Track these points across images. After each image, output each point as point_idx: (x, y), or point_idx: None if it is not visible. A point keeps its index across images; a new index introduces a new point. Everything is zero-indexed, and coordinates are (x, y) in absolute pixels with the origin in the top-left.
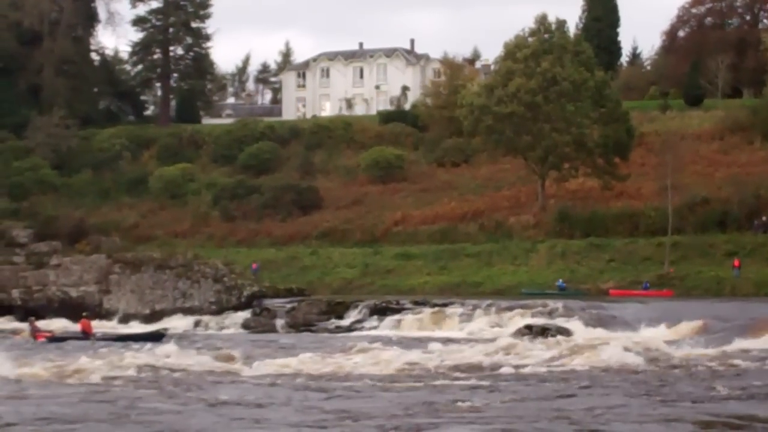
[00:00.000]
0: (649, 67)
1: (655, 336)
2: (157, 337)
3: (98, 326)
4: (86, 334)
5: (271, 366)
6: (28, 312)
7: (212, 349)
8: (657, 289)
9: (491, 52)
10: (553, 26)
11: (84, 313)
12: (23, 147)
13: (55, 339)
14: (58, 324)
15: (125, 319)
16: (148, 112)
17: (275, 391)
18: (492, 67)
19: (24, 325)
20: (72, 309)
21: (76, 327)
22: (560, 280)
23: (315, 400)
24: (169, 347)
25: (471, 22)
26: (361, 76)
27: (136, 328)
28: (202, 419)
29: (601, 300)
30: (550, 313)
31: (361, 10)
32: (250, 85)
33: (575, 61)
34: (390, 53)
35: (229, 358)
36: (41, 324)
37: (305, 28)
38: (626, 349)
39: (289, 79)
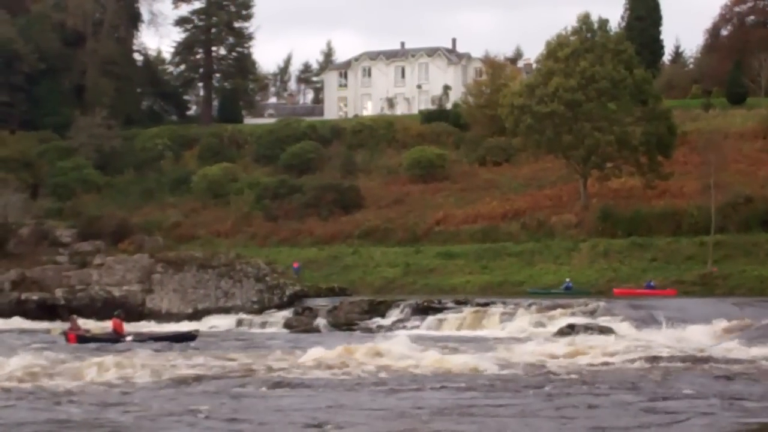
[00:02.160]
0: (691, 66)
1: (700, 334)
2: (190, 337)
3: (139, 326)
4: (117, 334)
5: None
6: (71, 311)
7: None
8: (661, 288)
9: (534, 52)
10: (595, 25)
11: (115, 312)
12: (67, 147)
13: (85, 339)
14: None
15: (167, 318)
16: (190, 112)
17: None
18: (534, 66)
19: (59, 324)
20: (115, 308)
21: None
22: (567, 280)
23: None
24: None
25: (520, 22)
26: (403, 76)
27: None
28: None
29: (618, 299)
30: (592, 313)
31: (410, 11)
32: (292, 85)
33: (615, 59)
34: (431, 53)
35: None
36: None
37: (352, 29)
38: (671, 348)
39: (330, 79)
